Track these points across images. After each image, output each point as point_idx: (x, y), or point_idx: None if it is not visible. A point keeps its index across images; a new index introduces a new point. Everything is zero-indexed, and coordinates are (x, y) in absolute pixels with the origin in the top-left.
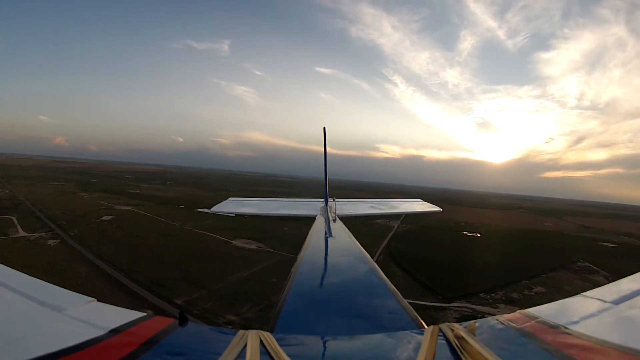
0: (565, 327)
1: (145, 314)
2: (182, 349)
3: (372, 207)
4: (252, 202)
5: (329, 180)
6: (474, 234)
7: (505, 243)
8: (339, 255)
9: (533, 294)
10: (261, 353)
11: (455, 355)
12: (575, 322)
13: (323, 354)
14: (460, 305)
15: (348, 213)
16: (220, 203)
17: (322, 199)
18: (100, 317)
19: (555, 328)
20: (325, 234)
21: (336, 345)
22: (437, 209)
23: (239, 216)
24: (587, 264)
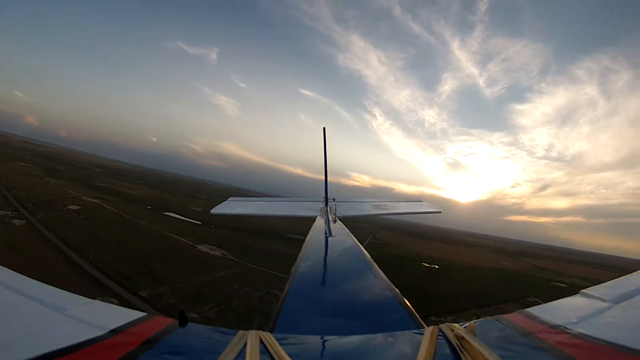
0: (565, 327)
1: (145, 314)
2: (182, 349)
3: (373, 207)
4: (252, 202)
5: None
6: (432, 266)
7: (460, 276)
8: (339, 255)
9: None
10: (261, 353)
11: (455, 355)
12: (575, 322)
13: (323, 354)
14: None
15: (348, 214)
16: (221, 204)
17: (322, 200)
18: (100, 317)
19: (555, 328)
20: (325, 234)
21: (336, 345)
22: (437, 209)
23: (207, 225)
24: (536, 299)
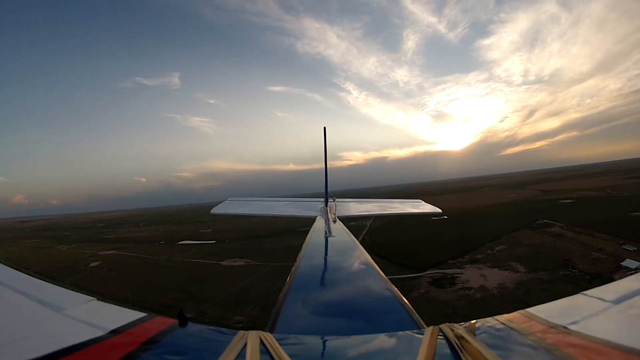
0: (565, 327)
1: (145, 314)
2: (182, 349)
3: (373, 207)
4: (251, 202)
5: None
6: (441, 217)
7: (469, 219)
8: (339, 255)
9: (495, 252)
10: (261, 353)
11: (455, 355)
12: (575, 322)
13: (323, 354)
14: (432, 272)
15: (348, 213)
16: (221, 204)
17: (322, 199)
18: (100, 317)
19: (555, 328)
20: (325, 234)
21: (336, 345)
22: (437, 210)
23: (222, 242)
24: (545, 221)
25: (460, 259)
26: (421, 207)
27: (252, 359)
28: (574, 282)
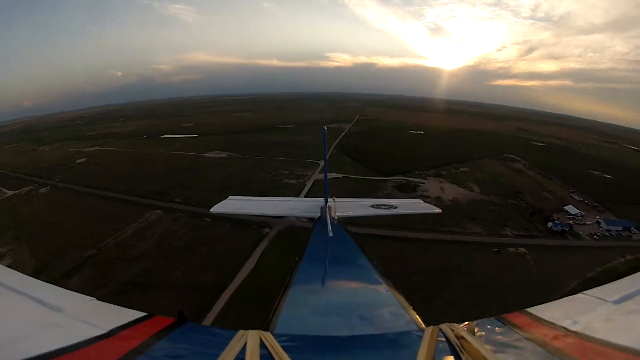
0: (565, 327)
1: (145, 314)
2: (181, 349)
3: (372, 207)
4: (252, 201)
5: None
6: (418, 132)
7: (444, 139)
8: (339, 255)
9: (459, 172)
10: (261, 352)
11: (455, 355)
12: (575, 322)
13: (323, 354)
14: (397, 178)
15: (348, 213)
16: (220, 203)
17: (322, 198)
18: (100, 316)
19: (555, 328)
20: (326, 233)
21: (336, 345)
22: (437, 210)
23: (204, 136)
24: (512, 156)
25: (425, 172)
26: (421, 206)
27: (252, 358)
28: (518, 211)
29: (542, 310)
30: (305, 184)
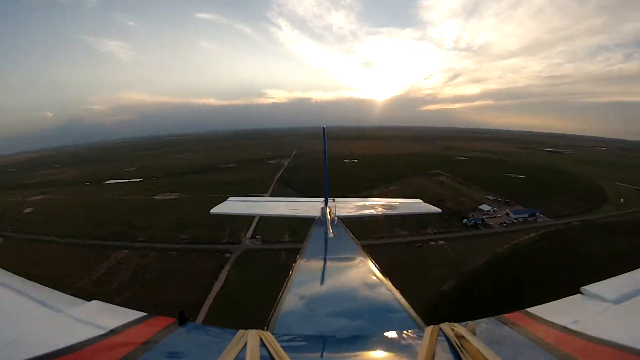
0: (565, 327)
1: (145, 314)
2: (182, 349)
3: (372, 207)
4: (251, 202)
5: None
6: (352, 160)
7: (376, 163)
8: (339, 255)
9: (388, 190)
10: (261, 353)
11: (456, 355)
12: (575, 322)
13: (323, 354)
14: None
15: (348, 214)
16: (220, 204)
17: (322, 199)
18: (100, 317)
19: (555, 328)
20: (325, 234)
21: (336, 345)
22: (436, 209)
23: (149, 179)
24: (437, 171)
25: (359, 193)
26: (421, 206)
27: (252, 358)
28: (439, 215)
29: (542, 310)
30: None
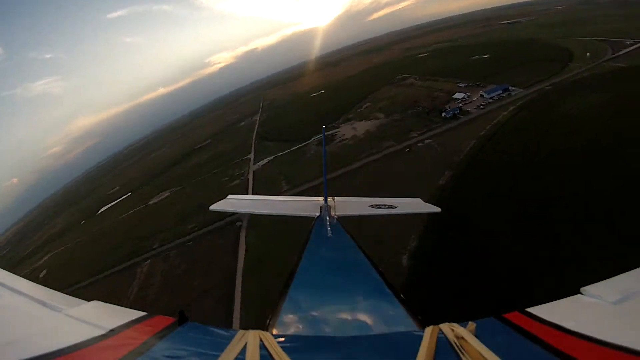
0: (565, 327)
1: (145, 313)
2: (181, 349)
3: (372, 206)
4: (250, 200)
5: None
6: (319, 93)
7: (341, 88)
8: (339, 255)
9: (363, 109)
10: (261, 353)
11: (455, 355)
12: (575, 322)
13: (323, 354)
14: (316, 137)
15: (348, 212)
16: (220, 201)
17: (322, 198)
18: (100, 317)
19: (555, 328)
20: (325, 233)
21: (336, 345)
22: (436, 209)
23: (137, 189)
24: (403, 75)
25: (336, 122)
26: (421, 206)
27: (252, 358)
28: (417, 116)
29: (542, 311)
30: (248, 178)
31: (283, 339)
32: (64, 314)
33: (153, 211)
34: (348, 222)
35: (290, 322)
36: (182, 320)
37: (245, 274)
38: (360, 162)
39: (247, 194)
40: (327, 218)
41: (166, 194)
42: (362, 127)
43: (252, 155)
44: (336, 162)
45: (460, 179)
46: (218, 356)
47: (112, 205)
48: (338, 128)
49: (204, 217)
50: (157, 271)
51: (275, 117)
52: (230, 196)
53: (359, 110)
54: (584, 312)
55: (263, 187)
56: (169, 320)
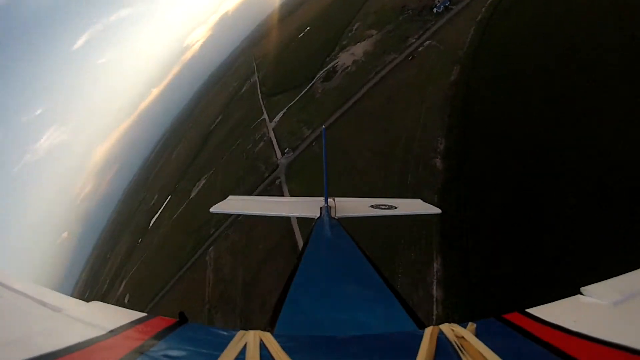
0: (565, 327)
1: (145, 314)
2: (181, 349)
3: (372, 207)
4: (251, 201)
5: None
6: (305, 30)
7: (325, 19)
8: (339, 255)
9: (353, 32)
10: (261, 353)
11: (456, 356)
12: (575, 322)
13: (323, 354)
14: (318, 75)
15: (349, 213)
16: (221, 202)
17: (322, 198)
18: (100, 317)
19: (555, 328)
20: (325, 233)
21: (336, 345)
22: (437, 210)
23: (172, 192)
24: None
25: (333, 53)
26: (421, 207)
27: (252, 358)
28: (410, 20)
29: (541, 311)
30: (270, 137)
31: (283, 339)
32: (64, 314)
33: (197, 202)
34: (348, 223)
35: (290, 322)
36: (182, 320)
37: (299, 224)
38: (368, 85)
39: (273, 152)
40: (327, 219)
41: (202, 182)
42: (359, 49)
43: (265, 115)
44: (347, 93)
45: (469, 70)
46: (218, 356)
47: (160, 213)
48: (336, 58)
49: (244, 188)
50: (224, 251)
51: (273, 71)
52: (230, 197)
53: (350, 33)
54: (584, 312)
55: (287, 140)
56: (169, 321)
